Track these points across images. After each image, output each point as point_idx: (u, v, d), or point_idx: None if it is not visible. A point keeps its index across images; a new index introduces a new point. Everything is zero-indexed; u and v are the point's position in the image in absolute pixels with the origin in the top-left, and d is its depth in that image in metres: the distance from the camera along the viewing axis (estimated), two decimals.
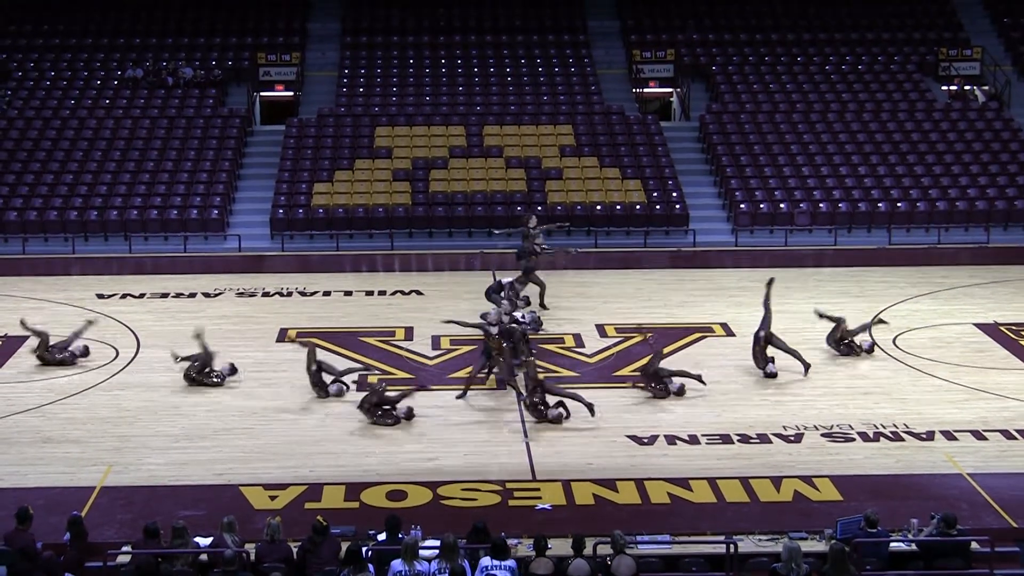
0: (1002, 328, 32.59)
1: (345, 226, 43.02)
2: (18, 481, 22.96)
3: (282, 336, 32.12)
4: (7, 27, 52.99)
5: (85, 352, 30.11)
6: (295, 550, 18.20)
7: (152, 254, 41.57)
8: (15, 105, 48.73)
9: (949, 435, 24.94)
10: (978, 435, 24.99)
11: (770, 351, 28.60)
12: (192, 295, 36.16)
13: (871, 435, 24.99)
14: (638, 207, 43.43)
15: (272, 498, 21.97)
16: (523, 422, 25.90)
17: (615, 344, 31.15)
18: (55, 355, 29.59)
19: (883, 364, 29.77)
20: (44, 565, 18.19)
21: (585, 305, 33.06)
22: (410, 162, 45.76)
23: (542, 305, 33.50)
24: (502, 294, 30.89)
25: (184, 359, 28.31)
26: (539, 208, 43.10)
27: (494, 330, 27.81)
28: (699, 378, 27.32)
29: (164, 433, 25.45)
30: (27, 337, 30.55)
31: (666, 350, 28.28)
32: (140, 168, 45.49)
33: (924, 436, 24.93)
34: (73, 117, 47.96)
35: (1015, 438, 24.86)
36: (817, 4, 54.92)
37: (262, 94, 51.14)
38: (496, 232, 36.56)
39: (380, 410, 25.65)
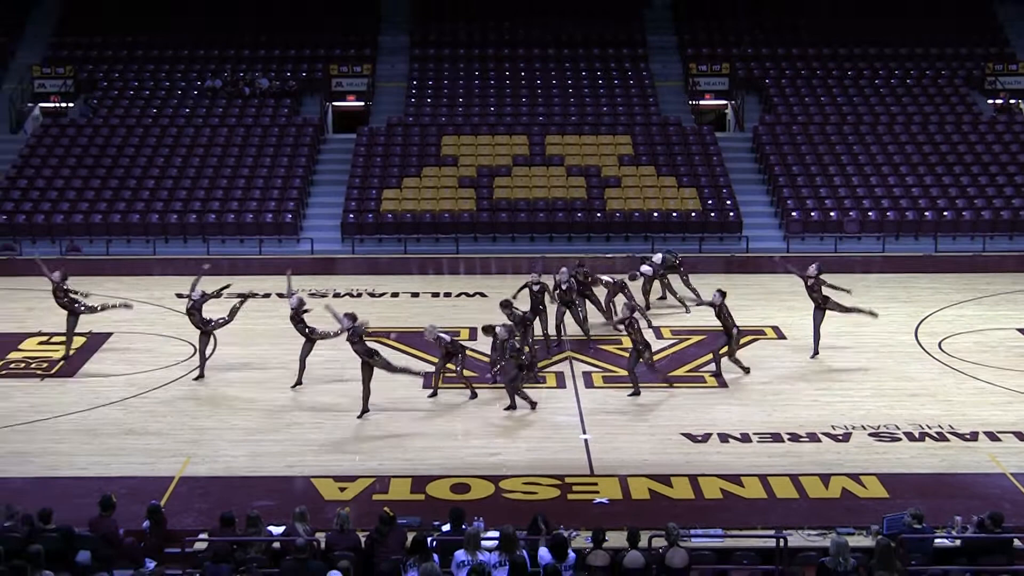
0: None
1: (412, 230, 43.16)
2: (102, 470, 23.13)
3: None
4: (94, 40, 53.41)
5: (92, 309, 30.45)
6: (363, 540, 18.23)
7: (228, 256, 41.78)
8: (101, 114, 49.12)
9: (992, 436, 24.76)
10: (1021, 436, 24.77)
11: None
12: (266, 295, 36.24)
13: (917, 435, 24.84)
14: (693, 214, 43.37)
15: (342, 489, 22.06)
16: (582, 419, 25.91)
17: (671, 346, 31.07)
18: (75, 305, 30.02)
19: (929, 367, 29.59)
20: (126, 551, 18.30)
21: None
22: (475, 170, 45.84)
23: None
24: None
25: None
26: (598, 215, 43.16)
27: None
28: None
29: (239, 426, 25.60)
30: (109, 335, 30.80)
31: (721, 351, 28.20)
32: (218, 174, 45.79)
33: (968, 437, 24.76)
34: (155, 125, 48.30)
35: None
36: (866, 20, 54.66)
37: (334, 104, 51.40)
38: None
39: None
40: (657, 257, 33.98)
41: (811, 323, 29.98)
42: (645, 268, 33.32)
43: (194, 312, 28.66)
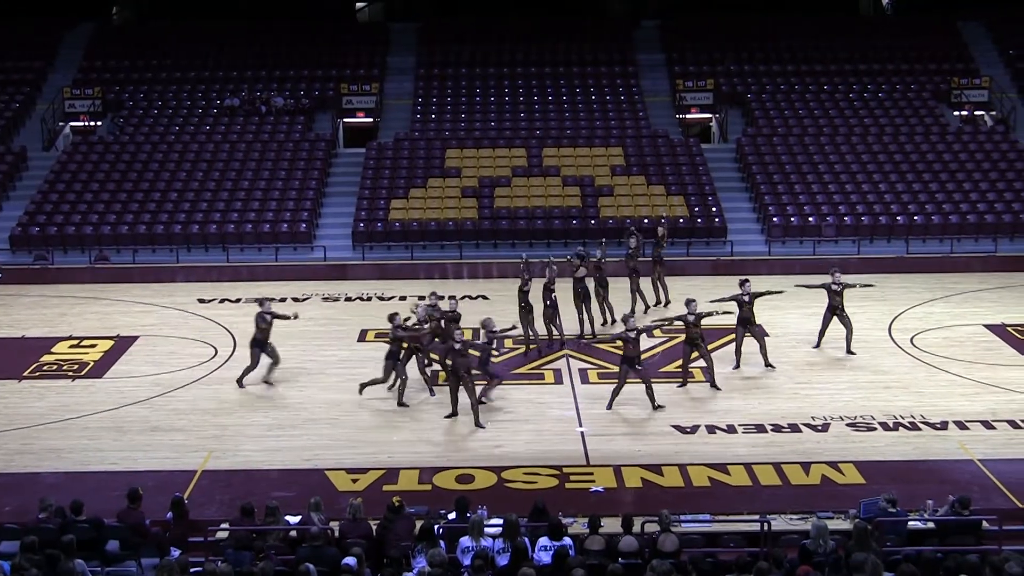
0: (1009, 329, 32.30)
1: (419, 238, 43.11)
2: (130, 465, 23.13)
3: (363, 336, 32.22)
4: (121, 63, 53.46)
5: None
6: (374, 528, 18.20)
7: (247, 263, 41.74)
8: (127, 131, 49.09)
9: (961, 425, 24.75)
10: (988, 425, 24.79)
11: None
12: (283, 299, 36.21)
13: (891, 425, 24.84)
14: (681, 220, 43.30)
15: (354, 481, 22.06)
16: (578, 413, 25.88)
17: (660, 344, 31.06)
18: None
19: (902, 361, 29.59)
20: (153, 540, 18.27)
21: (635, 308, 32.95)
22: (477, 180, 45.79)
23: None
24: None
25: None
26: (592, 222, 43.12)
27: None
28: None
29: (258, 423, 25.57)
30: (136, 338, 30.84)
31: (710, 346, 28.17)
32: (236, 187, 45.75)
33: (939, 426, 24.75)
34: (177, 142, 48.27)
35: (1021, 427, 24.65)
36: (841, 38, 54.84)
37: (345, 120, 51.36)
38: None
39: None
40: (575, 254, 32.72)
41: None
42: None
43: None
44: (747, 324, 28.46)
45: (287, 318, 28.08)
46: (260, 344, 27.65)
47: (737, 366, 28.54)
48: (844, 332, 29.77)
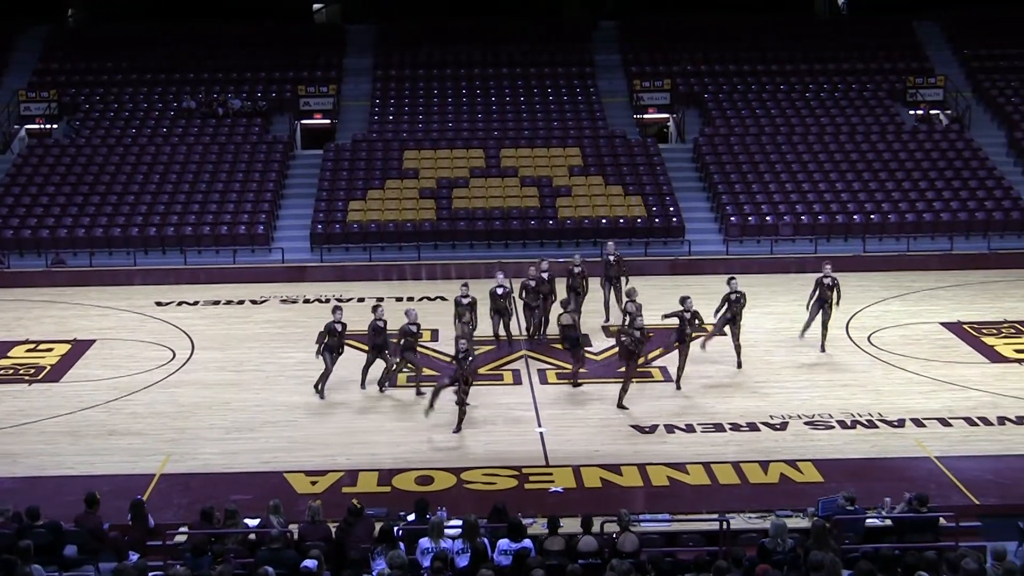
0: (965, 326, 32.48)
1: (377, 239, 43.01)
2: (87, 469, 23.00)
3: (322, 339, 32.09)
4: (76, 66, 53.17)
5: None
6: (334, 530, 18.17)
7: (205, 266, 41.53)
8: (83, 134, 48.81)
9: (918, 422, 24.90)
10: (944, 422, 24.94)
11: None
12: (240, 302, 36.13)
13: (848, 423, 24.96)
14: (639, 220, 43.37)
15: (313, 483, 22.00)
16: (537, 413, 25.88)
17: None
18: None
19: (859, 359, 29.74)
20: (110, 544, 18.18)
21: (591, 309, 32.90)
22: (435, 182, 45.72)
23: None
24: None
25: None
26: (550, 222, 43.14)
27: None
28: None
29: (217, 426, 25.48)
30: (93, 341, 30.61)
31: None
32: (194, 189, 45.53)
33: (896, 423, 24.89)
34: (134, 144, 48.01)
35: (977, 425, 24.83)
36: (798, 38, 55.11)
37: (303, 122, 51.22)
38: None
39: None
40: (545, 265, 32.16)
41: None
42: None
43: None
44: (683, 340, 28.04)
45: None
46: (379, 349, 27.47)
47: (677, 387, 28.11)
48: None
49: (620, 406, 25.95)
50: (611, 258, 32.38)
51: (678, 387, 27.62)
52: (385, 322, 27.30)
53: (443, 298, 36.49)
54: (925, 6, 57.14)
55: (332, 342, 27.22)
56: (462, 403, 24.75)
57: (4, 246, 42.48)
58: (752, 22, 56.66)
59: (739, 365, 28.84)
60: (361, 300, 36.25)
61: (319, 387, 27.28)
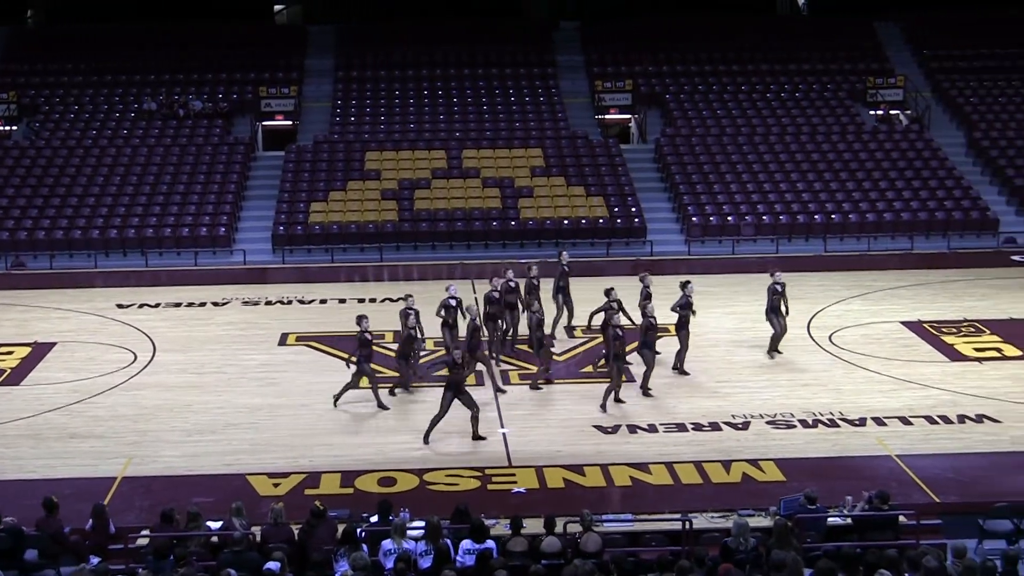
0: (925, 325, 32.60)
1: (339, 241, 42.97)
2: (48, 472, 22.85)
3: (283, 340, 32.02)
4: (36, 67, 52.90)
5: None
6: (297, 532, 18.13)
7: (166, 267, 41.46)
8: (43, 136, 48.59)
9: (879, 421, 24.98)
10: (905, 421, 25.02)
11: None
12: (202, 304, 35.99)
13: (810, 422, 25.02)
14: (601, 221, 43.47)
15: (275, 485, 21.92)
16: (500, 414, 25.87)
17: (582, 344, 31.10)
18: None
19: (820, 359, 29.80)
20: (71, 548, 18.10)
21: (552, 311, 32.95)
22: (397, 183, 45.72)
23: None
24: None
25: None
26: (512, 223, 43.19)
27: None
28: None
29: (178, 428, 25.34)
30: (54, 344, 30.41)
31: (628, 348, 27.86)
32: (155, 191, 45.41)
33: (857, 422, 24.97)
34: (95, 146, 47.85)
35: (937, 423, 24.91)
36: (758, 39, 55.34)
37: (264, 124, 51.16)
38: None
39: None
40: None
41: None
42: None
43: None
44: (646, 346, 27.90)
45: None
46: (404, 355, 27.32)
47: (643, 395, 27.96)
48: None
49: (604, 408, 25.89)
50: (566, 267, 31.77)
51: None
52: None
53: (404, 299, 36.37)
54: (885, 7, 57.50)
55: (367, 352, 26.47)
56: (472, 405, 24.36)
57: None
58: (713, 22, 56.94)
59: (680, 368, 28.81)
60: (324, 302, 36.15)
61: (377, 397, 26.40)
